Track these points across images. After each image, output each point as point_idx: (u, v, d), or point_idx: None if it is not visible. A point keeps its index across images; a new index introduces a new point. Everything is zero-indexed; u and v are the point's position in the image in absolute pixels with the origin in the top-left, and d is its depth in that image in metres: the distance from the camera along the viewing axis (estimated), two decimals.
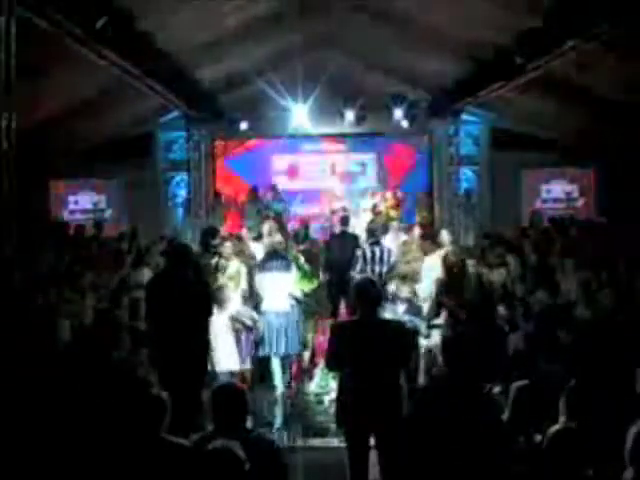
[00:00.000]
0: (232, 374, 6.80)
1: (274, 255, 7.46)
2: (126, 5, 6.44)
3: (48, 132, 9.72)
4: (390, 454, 4.29)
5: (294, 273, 7.54)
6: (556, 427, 3.39)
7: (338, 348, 4.48)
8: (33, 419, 3.96)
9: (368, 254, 8.08)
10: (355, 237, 9.53)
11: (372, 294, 4.56)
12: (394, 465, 4.21)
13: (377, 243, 8.21)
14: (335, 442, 5.55)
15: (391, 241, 9.21)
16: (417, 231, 9.16)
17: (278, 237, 7.83)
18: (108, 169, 12.84)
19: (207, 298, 5.85)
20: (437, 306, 6.98)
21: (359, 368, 4.37)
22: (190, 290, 5.64)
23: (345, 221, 9.95)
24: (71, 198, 13.24)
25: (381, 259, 8.03)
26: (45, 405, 4.15)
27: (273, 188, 13.05)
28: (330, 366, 4.73)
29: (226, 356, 6.75)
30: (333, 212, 11.88)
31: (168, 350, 5.42)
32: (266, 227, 9.01)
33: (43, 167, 11.34)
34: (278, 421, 6.74)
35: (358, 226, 10.64)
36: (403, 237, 9.49)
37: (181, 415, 3.78)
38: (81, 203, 13.29)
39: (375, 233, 8.43)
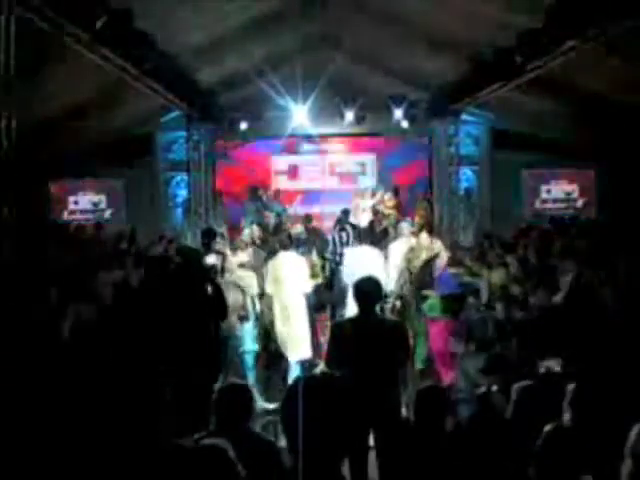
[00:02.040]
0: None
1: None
2: (126, 5, 6.44)
3: (48, 132, 9.72)
4: (389, 454, 4.29)
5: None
6: (549, 427, 3.37)
7: (338, 347, 4.48)
8: (33, 419, 3.95)
9: (337, 238, 9.51)
10: None
11: (371, 293, 4.55)
12: (392, 465, 4.20)
13: (344, 229, 9.63)
14: None
15: (400, 245, 8.43)
16: (425, 238, 8.20)
17: (300, 229, 9.51)
18: (108, 169, 12.86)
19: (219, 301, 5.82)
20: None
21: (358, 367, 4.37)
22: (200, 293, 5.59)
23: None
24: (71, 198, 13.26)
25: (347, 242, 9.43)
26: (45, 404, 4.15)
27: (275, 193, 13.09)
28: (330, 365, 4.73)
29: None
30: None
31: (177, 352, 5.37)
32: (246, 233, 8.86)
33: (43, 167, 11.35)
34: None
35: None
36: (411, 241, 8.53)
37: (190, 417, 3.77)
38: (81, 203, 13.31)
39: (341, 220, 10.13)
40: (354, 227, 10.20)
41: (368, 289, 4.58)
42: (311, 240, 9.54)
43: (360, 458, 4.43)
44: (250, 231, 9.01)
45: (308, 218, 10.94)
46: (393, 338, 4.46)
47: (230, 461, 2.76)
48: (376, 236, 10.53)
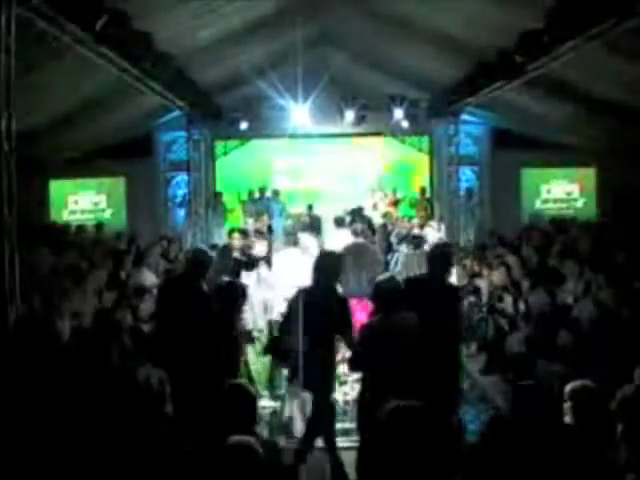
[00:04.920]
0: None
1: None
2: (126, 5, 6.43)
3: (48, 132, 9.72)
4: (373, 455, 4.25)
5: None
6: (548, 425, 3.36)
7: (366, 349, 4.40)
8: (32, 419, 3.95)
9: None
10: None
11: (393, 293, 4.48)
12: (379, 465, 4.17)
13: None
14: (343, 443, 5.45)
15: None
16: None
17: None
18: (108, 169, 12.85)
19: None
20: None
21: (384, 368, 4.28)
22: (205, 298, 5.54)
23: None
24: (71, 198, 13.24)
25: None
26: (44, 405, 4.15)
27: (274, 191, 13.10)
28: (355, 367, 4.70)
29: None
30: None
31: (177, 356, 5.31)
32: (235, 243, 8.64)
33: (43, 167, 11.34)
34: None
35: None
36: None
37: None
38: (81, 203, 13.30)
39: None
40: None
41: (389, 289, 4.51)
42: (315, 225, 10.51)
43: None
44: (235, 241, 8.68)
45: (310, 206, 12.23)
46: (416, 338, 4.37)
47: (258, 456, 2.83)
48: (387, 238, 10.53)
